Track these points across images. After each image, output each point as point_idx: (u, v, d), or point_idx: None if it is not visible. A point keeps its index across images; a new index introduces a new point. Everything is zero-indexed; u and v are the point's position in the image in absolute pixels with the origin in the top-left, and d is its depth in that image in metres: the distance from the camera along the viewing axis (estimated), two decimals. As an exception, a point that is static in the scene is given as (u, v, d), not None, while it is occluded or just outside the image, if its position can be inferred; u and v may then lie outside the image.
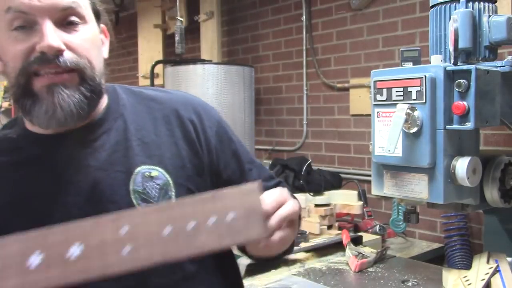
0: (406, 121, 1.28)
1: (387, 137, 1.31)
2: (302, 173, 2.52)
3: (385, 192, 1.43)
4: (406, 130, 1.30)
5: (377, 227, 2.26)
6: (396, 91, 1.35)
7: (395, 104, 1.31)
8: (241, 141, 1.03)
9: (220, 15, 3.30)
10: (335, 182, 2.64)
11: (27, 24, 0.77)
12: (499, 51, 1.46)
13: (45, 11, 0.77)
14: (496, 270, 1.44)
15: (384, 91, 1.38)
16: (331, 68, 2.87)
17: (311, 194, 2.28)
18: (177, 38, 2.86)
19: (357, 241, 1.97)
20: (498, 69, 1.37)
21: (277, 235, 0.74)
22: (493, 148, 2.12)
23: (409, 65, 1.46)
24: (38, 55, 0.76)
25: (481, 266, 1.49)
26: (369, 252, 1.86)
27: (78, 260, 0.61)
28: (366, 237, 2.08)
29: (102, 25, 0.91)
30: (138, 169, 0.87)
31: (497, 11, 1.45)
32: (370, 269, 1.79)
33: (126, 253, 0.61)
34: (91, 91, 0.82)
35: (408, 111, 1.28)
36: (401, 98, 1.33)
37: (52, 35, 0.76)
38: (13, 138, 0.88)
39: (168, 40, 3.71)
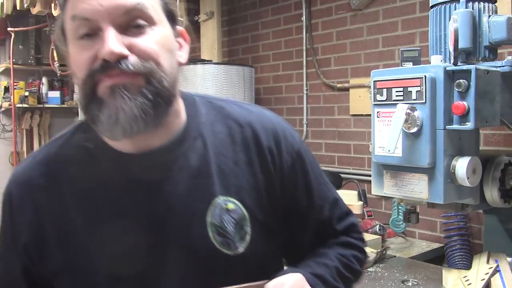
0: (406, 121, 1.28)
1: (387, 137, 1.31)
2: (302, 173, 2.52)
3: (385, 192, 1.43)
4: (406, 130, 1.30)
5: (377, 227, 2.25)
6: (396, 91, 1.35)
7: (395, 104, 1.31)
8: (320, 173, 0.95)
9: (220, 15, 3.30)
10: (335, 182, 2.64)
11: (92, 31, 0.74)
12: (499, 51, 1.46)
13: (107, 16, 0.72)
14: (496, 270, 1.45)
15: (384, 91, 1.38)
16: (331, 68, 2.86)
17: (311, 194, 2.28)
18: (177, 38, 2.85)
19: (357, 241, 1.97)
20: (498, 69, 1.37)
21: None
22: (493, 148, 2.12)
23: (409, 65, 1.46)
24: (101, 62, 0.72)
25: (481, 266, 1.49)
26: (369, 252, 1.86)
27: None
28: (366, 237, 2.07)
29: (180, 28, 0.85)
30: (217, 200, 0.82)
31: (497, 11, 1.45)
32: (370, 269, 1.79)
33: None
34: (155, 94, 0.74)
35: (408, 111, 1.28)
36: (401, 98, 1.33)
37: (113, 41, 0.71)
38: (90, 148, 0.83)
39: (168, 40, 3.71)
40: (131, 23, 0.74)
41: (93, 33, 0.74)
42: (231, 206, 0.82)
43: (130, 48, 0.73)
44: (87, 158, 0.83)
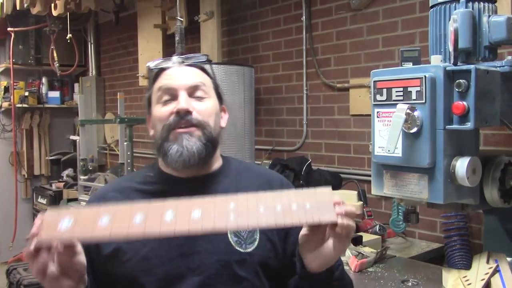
0: (406, 121, 1.28)
1: (387, 137, 1.31)
2: (302, 173, 2.52)
3: (385, 192, 1.43)
4: (406, 130, 1.30)
5: (377, 227, 2.25)
6: (396, 91, 1.35)
7: (395, 104, 1.31)
8: None
9: (220, 15, 3.30)
10: (335, 182, 2.64)
11: (171, 97, 1.16)
12: (499, 51, 1.46)
13: (181, 87, 1.16)
14: (496, 270, 1.45)
15: (384, 91, 1.38)
16: (331, 68, 2.86)
17: (311, 194, 2.28)
18: (177, 38, 2.85)
19: (357, 241, 1.97)
20: (498, 69, 1.37)
21: (343, 223, 0.91)
22: (493, 148, 2.12)
23: (409, 65, 1.46)
24: (174, 115, 1.13)
25: (481, 266, 1.49)
26: (369, 252, 1.86)
27: (198, 219, 0.87)
28: (366, 237, 2.08)
29: (223, 105, 1.26)
30: None
31: (497, 11, 1.45)
32: (370, 269, 1.79)
33: (232, 219, 0.87)
34: (207, 140, 1.14)
35: (408, 111, 1.28)
36: (401, 98, 1.34)
37: (183, 101, 1.14)
38: (149, 175, 1.22)
39: (168, 40, 3.71)
40: (195, 93, 1.17)
41: (171, 99, 1.16)
42: None
43: (193, 108, 1.15)
44: (148, 181, 1.21)
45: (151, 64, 1.25)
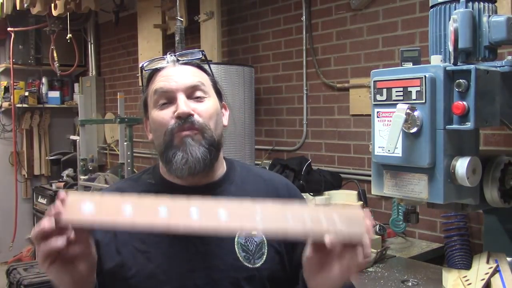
0: (406, 121, 1.28)
1: (387, 137, 1.31)
2: (302, 173, 2.52)
3: (385, 192, 1.43)
4: (406, 130, 1.30)
5: (377, 227, 2.25)
6: (396, 91, 1.35)
7: (395, 104, 1.31)
8: None
9: (220, 15, 3.30)
10: (335, 182, 2.64)
11: (168, 100, 1.09)
12: (499, 51, 1.46)
13: (179, 89, 1.08)
14: (496, 270, 1.45)
15: (384, 91, 1.38)
16: (331, 68, 2.86)
17: (311, 194, 2.28)
18: (177, 38, 2.85)
19: (357, 241, 1.97)
20: (498, 69, 1.37)
21: (365, 244, 0.90)
22: (493, 148, 2.12)
23: (409, 65, 1.46)
24: (176, 120, 1.06)
25: (481, 266, 1.49)
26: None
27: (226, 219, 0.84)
28: (366, 237, 2.08)
29: (223, 102, 1.20)
30: None
31: (497, 11, 1.45)
32: (370, 269, 1.79)
33: (257, 221, 0.84)
34: (210, 144, 1.07)
35: (408, 111, 1.28)
36: (401, 98, 1.33)
37: (183, 104, 1.06)
38: (151, 183, 1.16)
39: (168, 40, 3.71)
40: (194, 94, 1.10)
41: (168, 102, 1.09)
42: (254, 232, 1.08)
43: (194, 110, 1.07)
44: (150, 189, 1.14)
45: (144, 65, 1.17)
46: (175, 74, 1.11)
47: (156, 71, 1.15)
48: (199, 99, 1.10)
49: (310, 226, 0.83)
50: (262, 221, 0.83)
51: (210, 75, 1.19)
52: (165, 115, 1.08)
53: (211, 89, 1.15)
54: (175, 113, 1.06)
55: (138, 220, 0.82)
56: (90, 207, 0.82)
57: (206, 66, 1.20)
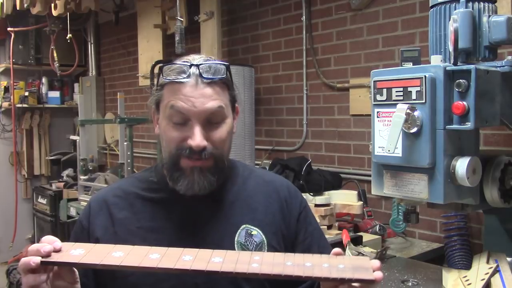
0: (406, 121, 1.28)
1: (387, 137, 1.31)
2: (302, 173, 2.52)
3: (385, 192, 1.43)
4: (406, 130, 1.30)
5: (377, 227, 2.25)
6: (396, 91, 1.35)
7: (395, 104, 1.31)
8: (319, 227, 1.26)
9: (220, 15, 3.30)
10: (335, 182, 2.64)
11: (183, 121, 1.05)
12: (499, 51, 1.46)
13: (198, 115, 1.04)
14: (496, 270, 1.44)
15: (384, 91, 1.38)
16: (331, 68, 2.86)
17: (311, 194, 2.28)
18: (177, 38, 2.85)
19: (357, 241, 1.98)
20: (498, 69, 1.37)
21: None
22: (493, 148, 2.12)
23: (409, 65, 1.46)
24: (188, 148, 1.04)
25: (481, 266, 1.49)
26: (369, 252, 1.86)
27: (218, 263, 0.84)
28: (366, 237, 2.08)
29: (236, 105, 1.16)
30: (244, 226, 1.12)
31: (497, 11, 1.45)
32: (370, 269, 1.79)
33: (254, 266, 0.83)
34: (219, 172, 1.09)
35: (408, 111, 1.28)
36: (401, 98, 1.33)
37: (199, 137, 1.03)
38: (153, 181, 1.17)
39: (168, 40, 3.71)
40: (211, 119, 1.06)
41: (183, 123, 1.05)
42: (254, 232, 1.12)
43: (208, 139, 1.05)
44: (153, 187, 1.16)
45: (164, 71, 1.08)
46: (196, 96, 1.04)
47: (176, 82, 1.07)
48: (216, 124, 1.07)
49: (311, 271, 0.82)
50: (259, 266, 0.83)
51: (231, 88, 1.13)
52: (177, 137, 1.06)
53: (229, 108, 1.11)
54: (188, 143, 1.04)
55: (126, 260, 0.85)
56: (79, 251, 0.88)
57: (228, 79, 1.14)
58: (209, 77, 1.06)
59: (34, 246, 0.88)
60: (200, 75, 1.05)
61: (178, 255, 0.86)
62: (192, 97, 1.04)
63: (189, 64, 1.06)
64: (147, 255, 0.86)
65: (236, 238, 1.10)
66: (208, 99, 1.05)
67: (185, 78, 1.05)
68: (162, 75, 1.08)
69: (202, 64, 1.06)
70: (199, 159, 1.05)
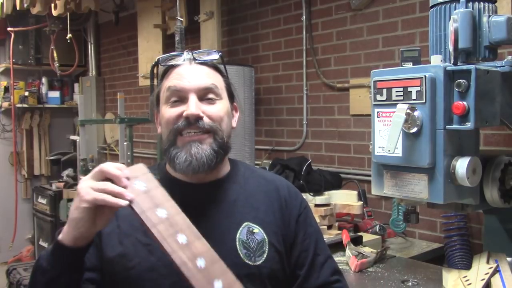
0: (406, 121, 1.28)
1: (387, 137, 1.31)
2: (302, 173, 2.52)
3: (385, 192, 1.43)
4: (406, 130, 1.30)
5: (377, 227, 2.25)
6: (396, 91, 1.35)
7: (395, 104, 1.31)
8: (319, 229, 1.26)
9: (220, 15, 3.30)
10: (335, 182, 2.64)
11: (180, 98, 1.10)
12: (499, 51, 1.46)
13: (192, 90, 1.10)
14: (496, 270, 1.44)
15: (384, 91, 1.38)
16: (331, 68, 2.86)
17: (311, 194, 2.28)
18: (177, 38, 2.85)
19: (357, 241, 1.97)
20: (498, 69, 1.37)
21: None
22: (493, 148, 2.12)
23: (409, 65, 1.46)
24: (184, 119, 1.08)
25: (481, 266, 1.49)
26: (369, 252, 1.86)
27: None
28: (366, 237, 2.08)
29: (234, 103, 1.22)
30: (246, 224, 1.13)
31: (497, 11, 1.45)
32: (370, 269, 1.79)
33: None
34: (219, 147, 1.10)
35: (408, 111, 1.28)
36: (401, 98, 1.33)
37: (194, 106, 1.08)
38: (156, 179, 1.14)
39: (168, 40, 3.71)
40: (206, 96, 1.11)
41: (180, 100, 1.10)
42: (255, 230, 1.13)
43: (204, 112, 1.09)
44: None
45: (160, 59, 1.17)
46: (190, 73, 1.12)
47: (171, 67, 1.16)
48: (210, 101, 1.12)
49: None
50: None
51: (225, 76, 1.20)
52: (174, 113, 1.10)
53: (224, 92, 1.16)
54: (184, 113, 1.08)
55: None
56: (141, 186, 0.92)
57: (221, 67, 1.21)
58: (202, 59, 1.16)
59: (118, 182, 0.90)
60: (194, 58, 1.15)
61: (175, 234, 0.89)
62: (186, 74, 1.12)
63: (183, 52, 1.17)
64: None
65: (237, 235, 1.11)
66: (202, 76, 1.13)
67: (179, 61, 1.15)
68: (160, 65, 1.17)
69: (195, 51, 1.17)
70: (197, 132, 1.08)
